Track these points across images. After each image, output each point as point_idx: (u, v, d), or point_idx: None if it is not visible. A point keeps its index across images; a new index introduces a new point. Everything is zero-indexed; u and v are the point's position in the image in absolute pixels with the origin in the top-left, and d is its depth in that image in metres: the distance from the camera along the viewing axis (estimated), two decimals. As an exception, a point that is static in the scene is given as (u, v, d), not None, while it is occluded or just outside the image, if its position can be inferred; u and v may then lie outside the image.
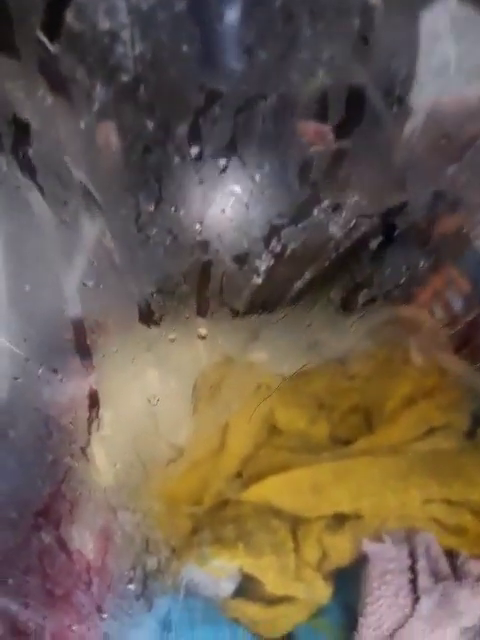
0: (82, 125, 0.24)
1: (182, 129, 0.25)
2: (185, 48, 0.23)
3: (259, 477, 0.50)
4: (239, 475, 0.52)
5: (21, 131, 0.24)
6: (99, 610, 0.38)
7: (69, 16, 0.22)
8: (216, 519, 0.49)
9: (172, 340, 0.36)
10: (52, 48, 0.22)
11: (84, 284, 0.30)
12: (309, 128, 0.28)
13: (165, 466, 0.47)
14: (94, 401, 0.38)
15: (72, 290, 0.31)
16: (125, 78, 0.23)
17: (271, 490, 0.48)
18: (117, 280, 0.30)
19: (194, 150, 0.25)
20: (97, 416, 0.38)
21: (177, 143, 0.25)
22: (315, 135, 0.27)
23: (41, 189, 0.26)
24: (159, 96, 0.23)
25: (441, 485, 0.46)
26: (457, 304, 0.47)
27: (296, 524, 0.48)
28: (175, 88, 0.23)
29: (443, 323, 0.48)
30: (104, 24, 0.22)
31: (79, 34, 0.22)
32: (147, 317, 0.36)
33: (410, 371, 0.54)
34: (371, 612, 0.39)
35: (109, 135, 0.25)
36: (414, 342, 0.56)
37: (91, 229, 0.27)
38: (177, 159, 0.26)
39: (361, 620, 0.40)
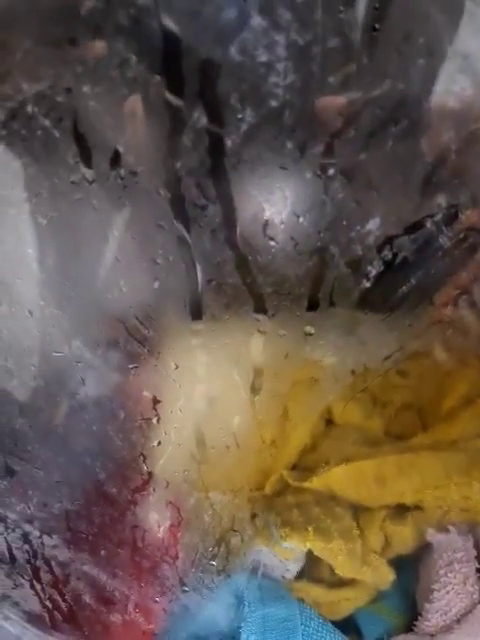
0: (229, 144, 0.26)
1: (317, 149, 0.27)
2: (331, 79, 0.25)
3: (319, 467, 0.51)
4: (297, 464, 0.54)
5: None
6: (182, 583, 0.40)
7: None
8: (279, 505, 0.51)
9: (282, 335, 0.38)
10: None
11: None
12: (326, 102, 0.29)
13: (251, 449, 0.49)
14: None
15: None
16: (274, 103, 0.25)
17: (336, 479, 0.50)
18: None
19: (328, 169, 0.28)
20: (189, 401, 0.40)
21: (311, 162, 0.28)
22: (337, 109, 0.29)
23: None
24: (301, 120, 0.26)
25: (503, 478, 0.48)
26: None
27: (358, 512, 0.50)
28: (315, 114, 0.26)
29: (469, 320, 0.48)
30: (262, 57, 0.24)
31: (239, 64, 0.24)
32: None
33: (467, 371, 0.56)
34: (439, 598, 0.41)
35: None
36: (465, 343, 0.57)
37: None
38: (309, 176, 0.28)
39: (427, 606, 0.42)
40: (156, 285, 0.32)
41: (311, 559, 0.48)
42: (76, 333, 0.36)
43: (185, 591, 0.40)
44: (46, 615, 0.40)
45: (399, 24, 0.26)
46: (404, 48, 0.26)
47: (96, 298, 0.36)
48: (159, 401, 0.36)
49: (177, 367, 0.36)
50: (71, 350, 0.36)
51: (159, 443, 0.37)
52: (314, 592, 0.48)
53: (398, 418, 0.58)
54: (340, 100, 0.28)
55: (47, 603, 0.40)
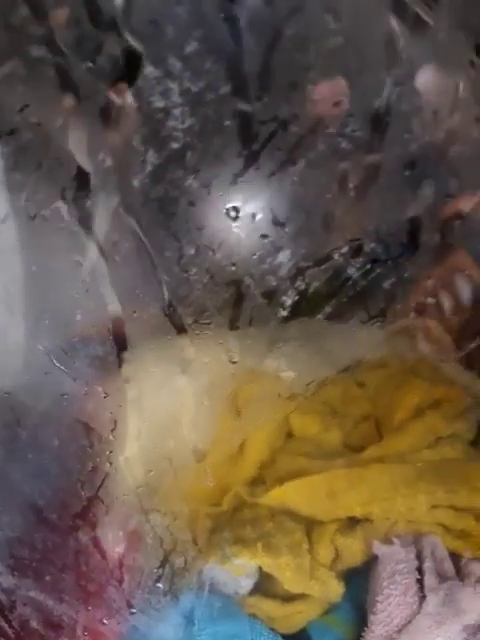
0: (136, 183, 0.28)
1: (223, 190, 0.29)
2: (228, 122, 0.27)
3: (276, 482, 0.53)
4: (256, 479, 0.55)
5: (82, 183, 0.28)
6: (129, 605, 0.41)
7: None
8: (235, 520, 0.52)
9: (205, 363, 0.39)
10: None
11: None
12: (323, 90, 0.30)
13: (188, 470, 0.50)
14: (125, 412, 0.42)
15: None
16: (175, 145, 0.27)
17: (288, 494, 0.51)
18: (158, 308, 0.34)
19: (233, 207, 0.29)
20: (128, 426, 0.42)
21: (216, 201, 0.29)
22: (331, 95, 0.30)
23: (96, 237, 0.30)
24: (204, 161, 0.27)
25: (447, 492, 0.49)
26: (465, 292, 0.48)
27: (310, 526, 0.51)
28: (218, 154, 0.27)
29: (450, 311, 0.49)
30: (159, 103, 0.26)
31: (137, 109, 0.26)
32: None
33: (418, 382, 0.57)
34: (381, 609, 0.42)
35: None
36: (422, 352, 0.58)
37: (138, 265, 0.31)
38: (215, 213, 0.30)
39: (371, 617, 0.44)
40: (78, 316, 0.34)
41: (264, 574, 0.49)
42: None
43: (133, 613, 0.41)
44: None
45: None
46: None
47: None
48: (93, 428, 0.38)
49: (106, 395, 0.38)
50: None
51: (95, 468, 0.38)
52: (267, 607, 0.49)
53: (357, 429, 0.59)
54: (339, 85, 0.29)
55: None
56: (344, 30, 0.28)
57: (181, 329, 0.35)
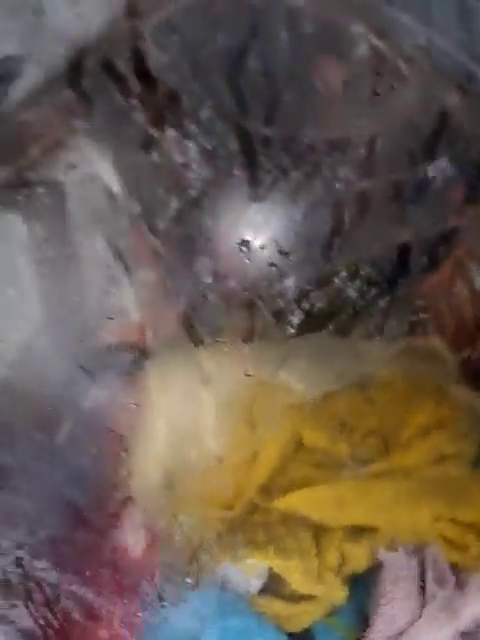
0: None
1: (235, 227, 0.34)
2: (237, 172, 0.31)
3: (287, 489, 0.56)
4: (268, 485, 0.58)
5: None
6: (160, 599, 0.45)
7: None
8: (248, 524, 0.56)
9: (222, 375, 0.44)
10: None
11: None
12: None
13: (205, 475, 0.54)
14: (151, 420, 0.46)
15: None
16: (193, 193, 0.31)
17: (299, 501, 0.54)
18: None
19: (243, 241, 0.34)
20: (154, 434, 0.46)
21: (229, 237, 0.34)
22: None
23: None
24: (218, 204, 0.32)
25: (449, 506, 0.52)
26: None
27: (319, 532, 0.54)
28: (229, 198, 0.32)
29: (465, 300, 0.52)
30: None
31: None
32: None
33: (424, 402, 0.60)
34: (384, 612, 0.46)
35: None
36: (430, 372, 0.61)
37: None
38: (229, 246, 0.35)
39: (374, 618, 0.47)
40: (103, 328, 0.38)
41: (273, 575, 0.53)
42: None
43: (163, 606, 0.45)
44: (40, 632, 0.45)
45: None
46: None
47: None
48: (127, 435, 0.41)
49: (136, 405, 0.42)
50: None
51: (130, 473, 0.42)
52: (275, 606, 0.52)
53: (364, 443, 0.62)
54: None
55: (40, 621, 0.45)
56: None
57: (199, 343, 0.40)
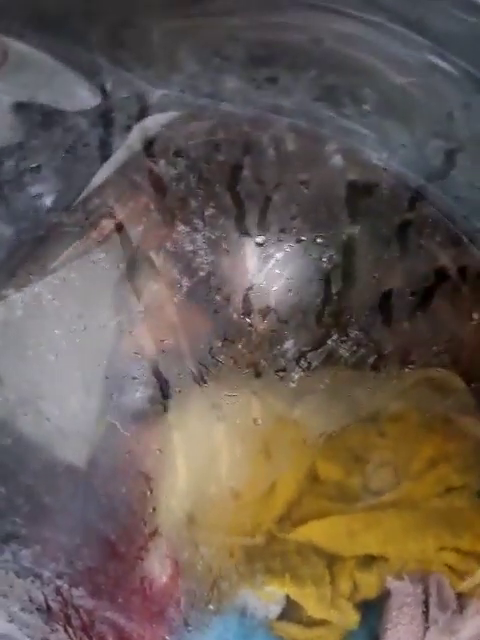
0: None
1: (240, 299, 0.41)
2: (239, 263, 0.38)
3: (302, 520, 0.60)
4: (284, 516, 0.62)
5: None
6: (186, 624, 0.49)
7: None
8: (266, 553, 0.60)
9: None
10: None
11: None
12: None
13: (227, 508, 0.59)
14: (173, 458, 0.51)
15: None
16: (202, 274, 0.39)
17: (313, 532, 0.58)
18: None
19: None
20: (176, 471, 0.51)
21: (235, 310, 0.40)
22: None
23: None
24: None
25: (453, 536, 0.55)
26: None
27: (332, 561, 0.58)
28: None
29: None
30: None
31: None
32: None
33: (432, 436, 0.64)
34: (390, 636, 0.50)
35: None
36: (442, 405, 0.64)
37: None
38: (234, 317, 0.42)
39: (382, 641, 0.51)
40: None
41: (291, 602, 0.57)
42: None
43: (189, 630, 0.49)
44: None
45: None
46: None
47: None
48: (152, 476, 0.47)
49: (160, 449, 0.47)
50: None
51: (155, 509, 0.48)
52: (293, 631, 0.56)
53: (377, 474, 0.66)
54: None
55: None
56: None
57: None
